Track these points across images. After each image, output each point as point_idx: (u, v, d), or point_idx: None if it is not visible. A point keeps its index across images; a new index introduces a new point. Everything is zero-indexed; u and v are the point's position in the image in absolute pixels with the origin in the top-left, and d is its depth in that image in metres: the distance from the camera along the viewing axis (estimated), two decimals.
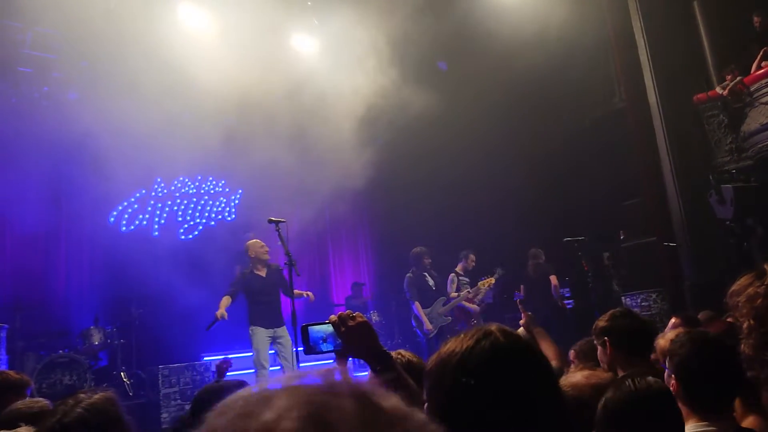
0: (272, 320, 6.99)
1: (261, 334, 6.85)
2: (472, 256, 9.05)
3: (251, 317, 6.99)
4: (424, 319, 8.07)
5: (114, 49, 7.86)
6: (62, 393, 7.13)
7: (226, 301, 6.88)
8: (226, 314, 6.75)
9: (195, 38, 8.41)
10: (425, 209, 10.69)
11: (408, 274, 8.41)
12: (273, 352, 7.12)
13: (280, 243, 6.16)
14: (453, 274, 8.88)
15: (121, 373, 7.71)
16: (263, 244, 7.28)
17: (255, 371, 6.85)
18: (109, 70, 8.31)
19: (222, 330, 7.48)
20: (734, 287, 1.06)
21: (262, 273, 7.17)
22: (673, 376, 2.01)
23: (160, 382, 7.56)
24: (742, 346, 1.05)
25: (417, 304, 8.18)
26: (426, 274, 8.42)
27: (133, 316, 8.16)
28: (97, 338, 7.73)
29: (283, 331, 6.99)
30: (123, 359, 7.90)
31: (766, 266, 1.03)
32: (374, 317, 9.70)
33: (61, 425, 1.71)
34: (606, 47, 9.67)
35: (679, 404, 1.95)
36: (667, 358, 2.10)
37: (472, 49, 10.23)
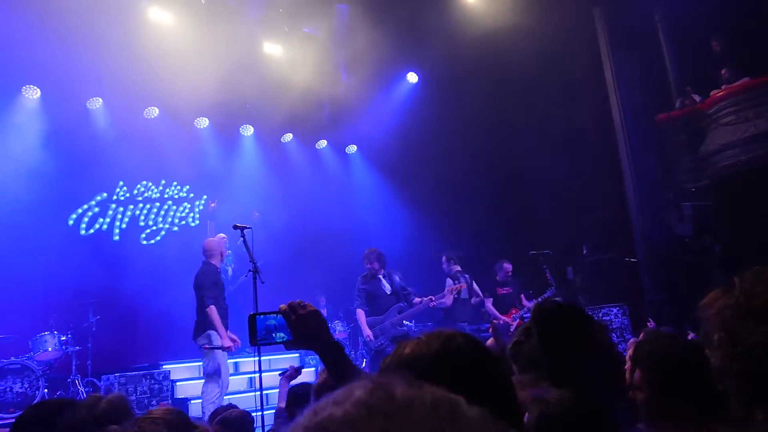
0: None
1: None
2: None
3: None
4: (364, 326, 7.19)
5: (79, 47, 7.67)
6: (13, 401, 6.87)
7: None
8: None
9: (165, 40, 8.30)
10: (388, 216, 10.67)
11: (360, 277, 7.43)
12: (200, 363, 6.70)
13: (245, 249, 6.08)
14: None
15: (76, 381, 7.46)
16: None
17: (206, 383, 6.23)
18: (74, 68, 8.08)
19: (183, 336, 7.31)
20: (705, 301, 1.08)
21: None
22: (642, 380, 1.98)
23: (116, 390, 7.35)
24: (713, 359, 1.07)
25: (360, 312, 7.27)
26: (381, 277, 7.34)
27: (90, 322, 7.91)
28: (51, 345, 7.48)
29: None
30: (78, 367, 7.64)
31: (736, 279, 1.06)
32: (338, 328, 9.62)
33: (92, 417, 1.99)
34: (572, 65, 9.86)
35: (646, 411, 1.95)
36: (633, 363, 2.06)
37: (441, 62, 10.33)
